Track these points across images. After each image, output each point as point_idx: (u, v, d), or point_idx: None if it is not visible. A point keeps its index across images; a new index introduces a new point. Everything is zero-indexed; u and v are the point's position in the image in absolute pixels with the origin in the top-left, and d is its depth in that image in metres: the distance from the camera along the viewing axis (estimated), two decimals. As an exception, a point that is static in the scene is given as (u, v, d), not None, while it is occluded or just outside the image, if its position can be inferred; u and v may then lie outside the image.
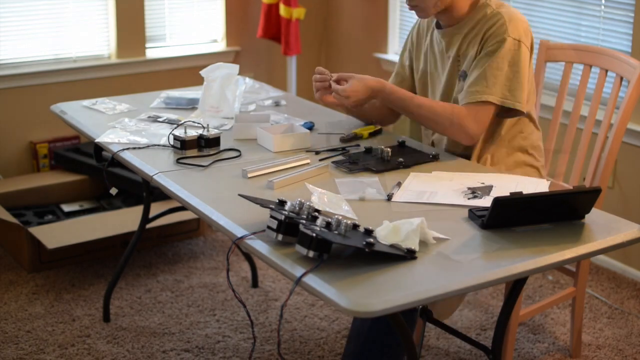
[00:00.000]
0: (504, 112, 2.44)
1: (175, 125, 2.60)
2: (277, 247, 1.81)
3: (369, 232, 1.83)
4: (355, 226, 1.84)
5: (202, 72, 2.80)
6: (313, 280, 1.68)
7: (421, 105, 2.42)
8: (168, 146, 2.48)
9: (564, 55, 2.83)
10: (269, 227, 1.83)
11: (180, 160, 2.38)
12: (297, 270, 1.71)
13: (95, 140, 2.58)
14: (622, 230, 1.95)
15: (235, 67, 2.80)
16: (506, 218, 1.93)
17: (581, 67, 2.83)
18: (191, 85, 3.26)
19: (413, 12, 2.48)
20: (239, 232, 1.90)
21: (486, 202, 2.05)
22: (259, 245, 1.83)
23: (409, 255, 1.77)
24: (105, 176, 2.77)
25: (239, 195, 2.01)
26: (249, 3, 4.67)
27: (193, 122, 2.63)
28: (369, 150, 2.41)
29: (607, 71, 2.75)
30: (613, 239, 1.92)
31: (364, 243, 1.73)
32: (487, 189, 2.14)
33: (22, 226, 3.46)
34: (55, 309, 3.18)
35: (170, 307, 3.22)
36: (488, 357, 2.21)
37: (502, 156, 2.52)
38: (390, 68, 4.54)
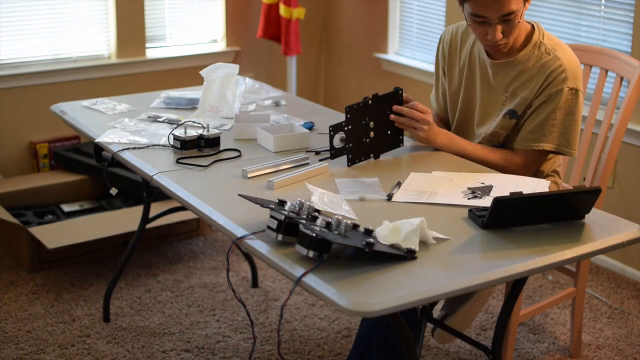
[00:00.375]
0: (553, 152, 2.48)
1: (175, 125, 2.60)
2: (277, 247, 1.81)
3: (369, 232, 1.83)
4: (355, 226, 1.84)
5: (202, 72, 2.80)
6: (313, 280, 1.68)
7: (478, 156, 2.44)
8: (168, 146, 2.48)
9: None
10: (269, 227, 1.83)
11: (180, 160, 2.38)
12: (297, 270, 1.71)
13: (95, 140, 2.58)
14: (622, 230, 1.95)
15: (235, 67, 2.80)
16: (506, 218, 1.93)
17: (581, 67, 2.82)
18: (191, 85, 3.26)
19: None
20: (239, 232, 1.90)
21: (486, 202, 2.05)
22: (259, 245, 1.83)
23: (409, 255, 1.77)
24: (105, 176, 2.77)
25: (239, 195, 2.01)
26: (249, 3, 4.67)
27: (193, 122, 2.63)
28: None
29: (607, 71, 2.75)
30: (613, 239, 1.92)
31: (364, 243, 1.73)
32: (487, 189, 2.14)
33: (22, 226, 3.46)
34: (55, 309, 3.18)
35: (170, 307, 3.22)
36: (488, 357, 2.21)
37: None
38: (390, 68, 4.54)
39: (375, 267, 1.74)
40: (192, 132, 2.44)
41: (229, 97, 2.77)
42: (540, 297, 3.33)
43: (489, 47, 2.42)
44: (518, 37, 2.42)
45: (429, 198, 2.10)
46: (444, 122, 2.71)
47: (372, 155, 2.40)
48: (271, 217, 1.83)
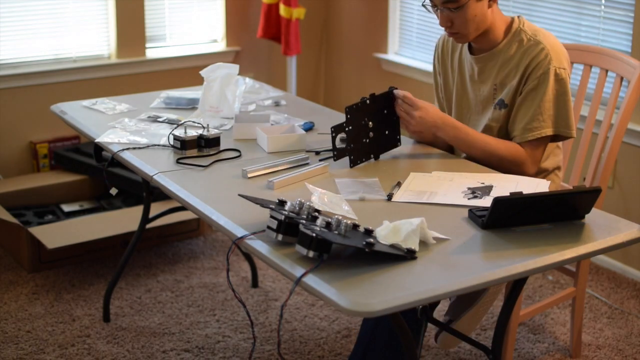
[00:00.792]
0: (554, 137, 2.46)
1: (175, 125, 2.60)
2: (277, 247, 1.81)
3: (369, 232, 1.83)
4: (355, 226, 1.84)
5: (202, 72, 2.80)
6: (313, 280, 1.68)
7: (488, 143, 2.40)
8: (168, 146, 2.48)
9: (564, 55, 2.83)
10: (269, 227, 1.83)
11: (180, 160, 2.38)
12: (297, 270, 1.71)
13: (95, 140, 2.58)
14: (622, 230, 1.95)
15: (235, 67, 2.80)
16: (506, 218, 1.93)
17: (581, 67, 2.83)
18: (191, 85, 3.26)
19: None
20: (239, 232, 1.90)
21: (486, 202, 2.05)
22: (259, 245, 1.83)
23: (409, 255, 1.77)
24: (105, 176, 2.77)
25: (239, 195, 2.01)
26: (249, 3, 4.67)
27: (193, 122, 2.63)
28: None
29: (607, 71, 2.75)
30: (613, 239, 1.92)
31: (364, 243, 1.73)
32: (487, 189, 2.14)
33: (22, 226, 3.46)
34: (55, 309, 3.18)
35: (170, 307, 3.22)
36: (488, 357, 2.21)
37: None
38: (390, 68, 4.54)
39: (375, 267, 1.74)
40: (192, 132, 2.44)
41: (229, 97, 2.77)
42: (540, 297, 3.33)
43: (447, 34, 2.44)
44: (496, 29, 2.42)
45: (429, 198, 2.10)
46: None
47: (372, 156, 2.40)
48: (271, 217, 1.83)
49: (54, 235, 3.43)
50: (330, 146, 2.40)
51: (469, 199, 2.09)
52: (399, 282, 1.69)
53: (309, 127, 2.66)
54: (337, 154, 2.33)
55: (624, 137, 3.06)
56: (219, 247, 3.75)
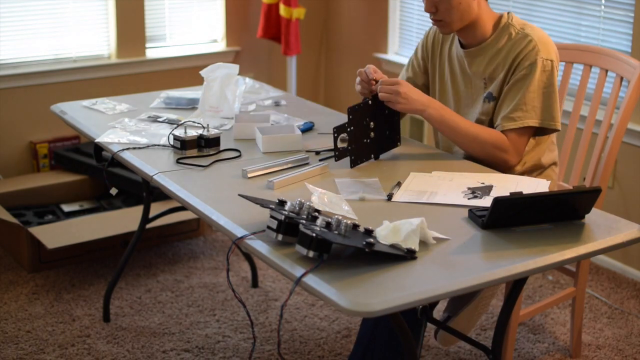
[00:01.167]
0: (539, 130, 2.45)
1: (175, 125, 2.60)
2: (277, 247, 1.81)
3: (369, 232, 1.83)
4: (355, 226, 1.84)
5: (202, 72, 2.80)
6: (313, 280, 1.68)
7: (471, 126, 2.40)
8: (168, 146, 2.48)
9: (564, 55, 2.83)
10: (269, 227, 1.83)
11: (180, 160, 2.38)
12: (297, 270, 1.71)
13: (95, 140, 2.58)
14: (622, 230, 1.95)
15: (235, 67, 2.80)
16: (506, 218, 1.93)
17: (581, 67, 2.83)
18: (191, 85, 3.26)
19: (427, 21, 2.48)
20: (239, 232, 1.90)
21: (486, 202, 2.05)
22: (259, 245, 1.83)
23: (409, 255, 1.77)
24: (105, 176, 2.77)
25: (239, 195, 2.01)
26: (249, 3, 4.67)
27: (193, 122, 2.63)
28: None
29: (607, 71, 2.75)
30: (613, 239, 1.92)
31: (364, 243, 1.73)
32: (487, 189, 2.14)
33: (22, 226, 3.46)
34: (55, 309, 3.18)
35: (170, 307, 3.22)
36: (488, 357, 2.21)
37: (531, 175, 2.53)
38: (390, 68, 4.54)
39: (375, 267, 1.74)
40: (192, 132, 2.44)
41: (229, 97, 2.77)
42: (540, 297, 3.33)
43: (432, 22, 2.45)
44: (484, 24, 2.43)
45: (429, 198, 2.10)
46: None
47: (372, 156, 2.40)
48: (271, 217, 1.83)
49: (54, 235, 3.43)
50: (330, 146, 2.40)
51: (469, 199, 2.09)
52: (399, 282, 1.69)
53: (309, 127, 2.66)
54: (339, 154, 2.33)
55: (624, 137, 3.06)
56: (219, 247, 3.75)
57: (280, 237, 1.81)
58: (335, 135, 2.32)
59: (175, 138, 2.43)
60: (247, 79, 3.20)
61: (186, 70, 4.43)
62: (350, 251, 1.81)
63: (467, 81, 2.52)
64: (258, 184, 2.20)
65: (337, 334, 3.05)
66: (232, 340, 3.00)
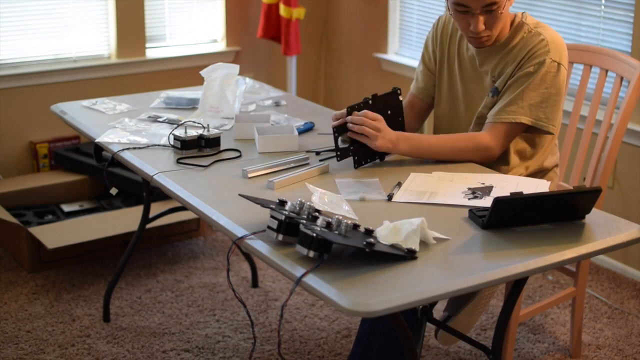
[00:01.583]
0: (533, 129, 2.42)
1: (175, 125, 2.60)
2: (277, 247, 1.81)
3: (369, 232, 1.83)
4: (355, 226, 1.84)
5: (202, 72, 2.80)
6: (313, 280, 1.68)
7: (445, 139, 2.38)
8: (168, 146, 2.48)
9: (564, 55, 2.83)
10: (269, 227, 1.83)
11: (181, 160, 2.38)
12: (297, 270, 1.71)
13: (96, 140, 2.58)
14: (622, 230, 1.95)
15: (235, 67, 2.80)
16: (506, 218, 1.93)
17: (581, 67, 2.83)
18: (191, 85, 3.26)
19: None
20: (239, 232, 1.90)
21: (486, 202, 2.05)
22: (259, 245, 1.83)
23: (410, 255, 1.77)
24: (105, 176, 2.77)
25: (239, 195, 2.01)
26: (249, 3, 4.67)
27: (193, 122, 2.63)
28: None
29: (607, 71, 2.75)
30: (613, 239, 1.92)
31: (365, 243, 1.73)
32: (487, 189, 2.14)
33: (22, 226, 3.46)
34: (55, 309, 3.18)
35: (170, 307, 3.22)
36: (488, 357, 2.21)
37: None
38: (390, 68, 4.54)
39: (376, 267, 1.74)
40: (192, 132, 2.44)
41: (229, 97, 2.77)
42: (540, 297, 3.33)
43: (472, 39, 2.40)
44: (507, 24, 2.41)
45: (429, 198, 2.10)
46: (416, 104, 2.65)
47: (377, 157, 2.39)
48: (271, 217, 1.83)
49: (54, 235, 3.43)
50: (331, 146, 2.40)
51: (469, 199, 2.09)
52: (399, 282, 1.69)
53: (309, 127, 2.66)
54: (341, 154, 2.33)
55: (624, 137, 3.06)
56: (219, 247, 3.75)
57: (280, 237, 1.81)
58: (336, 135, 2.31)
59: (176, 138, 2.43)
60: (247, 79, 3.20)
61: (186, 70, 4.43)
62: (350, 251, 1.81)
63: (477, 78, 2.49)
64: (258, 184, 2.20)
65: (337, 334, 3.05)
66: (232, 340, 3.00)
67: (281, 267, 1.76)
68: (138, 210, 3.47)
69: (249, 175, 2.24)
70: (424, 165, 2.36)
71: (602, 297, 3.33)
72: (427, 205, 2.07)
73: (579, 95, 2.81)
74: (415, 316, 2.34)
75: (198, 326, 3.09)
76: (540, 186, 2.16)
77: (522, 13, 2.45)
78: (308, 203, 1.86)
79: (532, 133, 2.45)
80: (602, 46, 3.47)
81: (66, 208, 3.87)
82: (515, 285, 2.11)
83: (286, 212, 1.81)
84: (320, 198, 1.96)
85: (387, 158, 2.42)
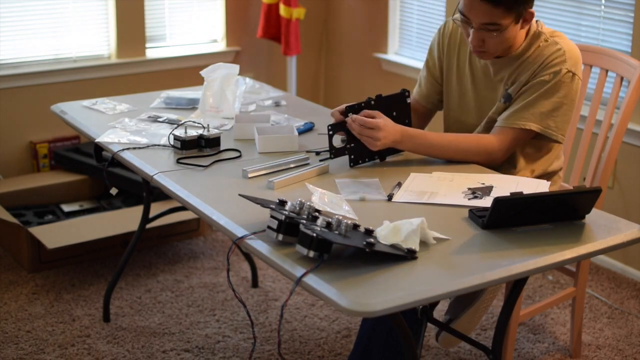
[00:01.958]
0: (541, 136, 2.39)
1: (175, 125, 2.60)
2: (277, 247, 1.81)
3: (369, 232, 1.83)
4: (355, 226, 1.84)
5: (202, 72, 2.80)
6: (313, 280, 1.68)
7: (449, 139, 2.36)
8: (168, 146, 2.48)
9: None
10: (269, 227, 1.83)
11: (181, 160, 2.38)
12: (297, 270, 1.71)
13: (96, 140, 2.58)
14: (622, 231, 1.95)
15: (235, 67, 2.80)
16: (506, 218, 1.93)
17: (581, 67, 2.82)
18: (191, 85, 3.26)
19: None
20: (239, 232, 1.90)
21: (486, 202, 2.05)
22: (259, 245, 1.83)
23: (410, 255, 1.77)
24: (105, 176, 2.77)
25: (239, 195, 2.01)
26: (249, 3, 4.67)
27: (193, 122, 2.63)
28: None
29: (607, 71, 2.75)
30: (613, 239, 1.92)
31: (365, 243, 1.73)
32: (488, 190, 2.14)
33: (22, 226, 3.46)
34: (55, 309, 3.18)
35: (170, 307, 3.22)
36: (488, 357, 2.21)
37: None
38: (390, 68, 4.54)
39: (376, 267, 1.74)
40: (192, 132, 2.44)
41: (229, 97, 2.77)
42: (540, 297, 3.33)
43: (472, 50, 2.37)
44: (520, 40, 2.37)
45: (430, 198, 2.10)
46: (419, 110, 2.63)
47: (376, 156, 2.39)
48: (271, 217, 1.83)
49: (54, 235, 3.43)
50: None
51: (469, 199, 2.09)
52: (399, 282, 1.69)
53: (309, 127, 2.66)
54: (335, 152, 2.33)
55: (624, 137, 3.06)
56: (219, 247, 3.75)
57: (280, 237, 1.81)
58: (330, 133, 2.31)
59: (176, 138, 2.43)
60: (247, 79, 3.20)
61: (186, 70, 4.43)
62: (350, 251, 1.81)
63: (491, 88, 2.47)
64: (258, 184, 2.20)
65: (337, 334, 3.05)
66: (232, 340, 3.00)
67: (281, 267, 1.76)
68: (138, 210, 3.47)
69: (249, 175, 2.24)
70: (424, 165, 2.36)
71: (602, 297, 3.33)
72: (427, 205, 2.07)
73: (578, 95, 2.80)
74: (415, 316, 2.34)
75: (198, 326, 3.09)
76: (540, 186, 2.16)
77: (537, 21, 2.40)
78: (308, 203, 1.86)
79: (539, 140, 2.43)
80: (602, 46, 3.47)
81: (66, 208, 3.87)
82: (515, 285, 2.11)
83: (286, 212, 1.81)
84: (320, 198, 1.96)
85: (387, 158, 2.41)
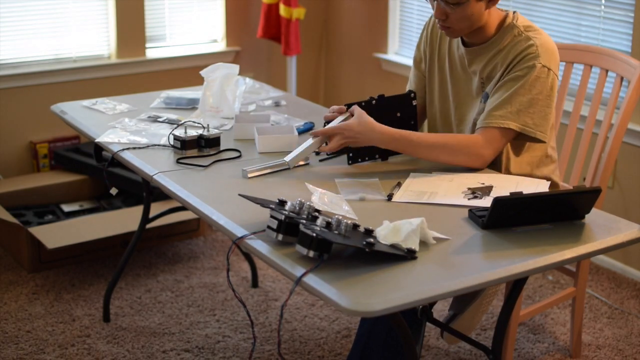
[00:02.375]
0: (523, 136, 2.34)
1: (175, 125, 2.60)
2: (277, 247, 1.81)
3: (369, 232, 1.83)
4: (355, 226, 1.84)
5: (202, 72, 2.80)
6: (313, 280, 1.68)
7: (434, 143, 2.30)
8: (168, 146, 2.48)
9: (564, 55, 2.83)
10: (269, 227, 1.83)
11: (180, 160, 2.38)
12: (297, 270, 1.71)
13: (96, 140, 2.58)
14: (622, 230, 1.95)
15: (235, 67, 2.80)
16: (506, 218, 1.93)
17: (581, 67, 2.83)
18: (191, 85, 3.26)
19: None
20: (239, 232, 1.90)
21: (486, 202, 2.05)
22: (259, 245, 1.83)
23: (409, 255, 1.77)
24: (105, 176, 2.77)
25: (239, 195, 2.01)
26: (249, 3, 4.67)
27: (193, 122, 2.63)
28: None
29: (607, 71, 2.75)
30: (613, 239, 1.92)
31: (364, 243, 1.73)
32: (487, 189, 2.14)
33: (22, 226, 3.46)
34: (55, 309, 3.18)
35: (170, 307, 3.22)
36: (488, 357, 2.21)
37: None
38: (390, 68, 4.54)
39: (376, 267, 1.74)
40: (192, 132, 2.44)
41: (229, 97, 2.77)
42: (540, 297, 3.33)
43: (438, 25, 2.36)
44: (490, 25, 2.35)
45: (429, 198, 2.10)
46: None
47: (377, 156, 2.38)
48: (271, 217, 1.83)
49: (54, 235, 3.43)
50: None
51: (469, 199, 2.09)
52: (399, 282, 1.70)
53: (309, 127, 2.66)
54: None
55: (624, 137, 3.06)
56: (219, 247, 3.75)
57: (280, 237, 1.81)
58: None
59: (176, 138, 2.43)
60: (247, 79, 3.20)
61: (186, 70, 4.43)
62: (350, 251, 1.81)
63: (467, 79, 2.45)
64: (258, 184, 2.20)
65: (337, 334, 3.05)
66: (232, 340, 3.00)
67: (281, 267, 1.76)
68: (138, 210, 3.47)
69: (249, 175, 2.24)
70: (424, 165, 2.36)
71: (602, 297, 3.33)
72: (427, 205, 2.07)
73: (579, 95, 2.80)
74: (415, 316, 2.34)
75: (198, 326, 3.09)
76: (540, 186, 2.16)
77: (514, 13, 2.39)
78: (308, 203, 1.86)
79: (522, 140, 2.37)
80: (602, 46, 3.47)
81: (66, 208, 3.87)
82: (515, 285, 2.11)
83: (286, 212, 1.81)
84: (320, 198, 1.96)
85: (388, 159, 2.41)
